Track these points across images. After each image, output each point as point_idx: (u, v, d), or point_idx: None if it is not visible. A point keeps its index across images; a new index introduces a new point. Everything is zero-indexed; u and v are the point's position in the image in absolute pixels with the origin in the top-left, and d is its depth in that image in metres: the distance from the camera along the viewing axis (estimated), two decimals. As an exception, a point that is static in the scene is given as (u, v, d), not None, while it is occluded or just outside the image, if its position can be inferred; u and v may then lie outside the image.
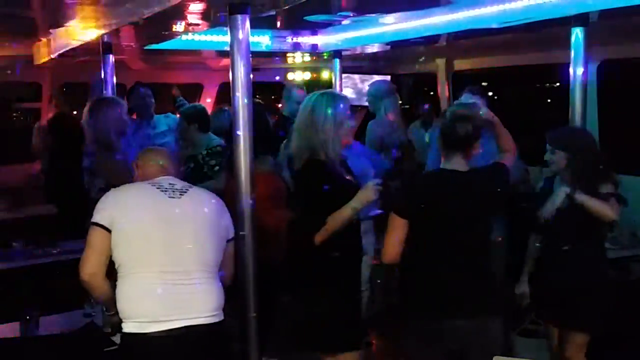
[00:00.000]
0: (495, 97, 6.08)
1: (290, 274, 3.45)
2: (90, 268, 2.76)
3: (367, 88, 6.11)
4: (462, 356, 3.09)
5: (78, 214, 5.59)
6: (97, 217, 2.77)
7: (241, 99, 3.09)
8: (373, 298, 5.20)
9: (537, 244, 3.84)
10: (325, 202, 3.21)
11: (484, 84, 4.96)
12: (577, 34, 3.82)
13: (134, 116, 6.03)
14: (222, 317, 2.82)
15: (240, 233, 3.11)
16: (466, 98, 4.65)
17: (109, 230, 2.74)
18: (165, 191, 2.80)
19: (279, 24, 5.49)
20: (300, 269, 3.37)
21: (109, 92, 5.07)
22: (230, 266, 3.02)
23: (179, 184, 2.91)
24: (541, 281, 3.81)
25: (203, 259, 2.79)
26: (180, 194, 2.82)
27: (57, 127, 6.43)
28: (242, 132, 3.10)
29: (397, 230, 3.10)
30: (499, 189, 3.18)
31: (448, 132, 3.11)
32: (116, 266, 2.77)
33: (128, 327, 2.69)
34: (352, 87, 7.64)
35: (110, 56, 5.00)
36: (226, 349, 2.88)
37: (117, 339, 3.22)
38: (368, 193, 3.23)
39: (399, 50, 6.54)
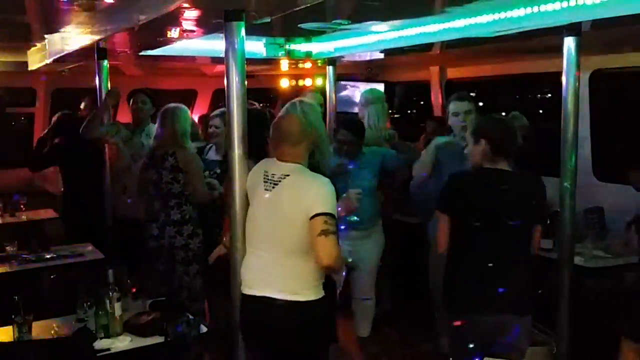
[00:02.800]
0: (483, 105, 6.12)
1: None
2: None
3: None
4: (493, 348, 3.25)
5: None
6: None
7: (236, 105, 3.11)
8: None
9: None
10: None
11: (472, 93, 5.01)
12: (570, 43, 3.84)
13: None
14: (299, 298, 3.03)
15: (234, 242, 3.19)
16: (462, 105, 4.69)
17: None
18: (266, 181, 3.12)
19: (273, 31, 5.52)
20: None
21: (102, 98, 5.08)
22: (317, 247, 2.91)
23: (279, 172, 3.11)
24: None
25: (283, 243, 3.05)
26: (273, 186, 3.09)
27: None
28: (237, 138, 3.12)
29: (443, 224, 3.41)
30: (537, 195, 3.36)
31: (500, 142, 3.33)
32: None
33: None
34: (349, 95, 7.69)
35: (105, 62, 5.01)
36: (301, 326, 3.06)
37: (108, 343, 3.25)
38: (351, 200, 3.40)
39: (393, 58, 6.57)
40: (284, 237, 3.05)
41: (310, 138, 3.15)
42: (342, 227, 3.66)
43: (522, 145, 3.32)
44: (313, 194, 2.99)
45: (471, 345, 3.29)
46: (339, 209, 3.20)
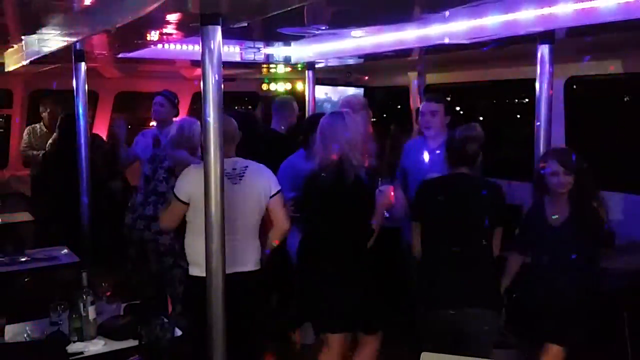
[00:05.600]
0: (461, 111, 6.17)
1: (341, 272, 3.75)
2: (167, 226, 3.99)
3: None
4: (463, 341, 3.55)
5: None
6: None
7: (212, 109, 3.11)
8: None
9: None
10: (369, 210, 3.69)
11: (448, 98, 5.12)
12: (543, 50, 3.90)
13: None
14: (258, 267, 3.77)
15: (210, 244, 3.16)
16: (427, 106, 4.87)
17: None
18: (230, 177, 3.63)
19: (252, 35, 5.53)
20: (352, 269, 3.73)
21: (80, 100, 5.05)
22: (277, 218, 3.78)
23: (238, 167, 3.73)
24: (521, 295, 3.91)
25: (251, 224, 3.75)
26: (240, 178, 3.70)
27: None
28: (213, 142, 3.12)
29: (415, 231, 3.79)
30: (495, 198, 3.65)
31: (458, 151, 3.67)
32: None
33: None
34: (329, 100, 7.72)
35: (82, 64, 4.98)
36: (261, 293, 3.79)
37: (82, 347, 3.23)
38: (389, 197, 3.73)
39: (372, 63, 6.61)
40: (252, 218, 3.75)
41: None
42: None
43: (477, 153, 3.68)
44: (269, 176, 3.81)
45: (443, 337, 3.57)
46: (379, 206, 3.69)
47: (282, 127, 5.49)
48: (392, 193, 3.78)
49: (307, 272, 3.89)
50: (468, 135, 3.68)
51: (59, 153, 6.09)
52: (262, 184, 3.75)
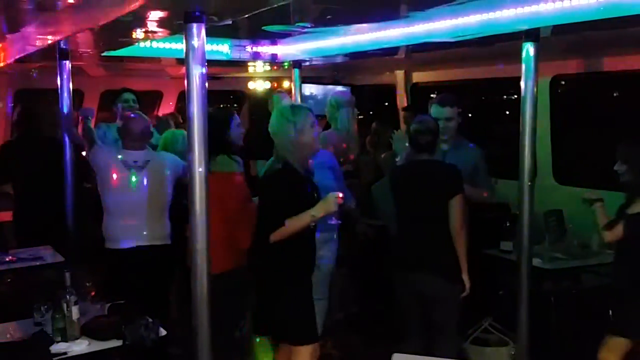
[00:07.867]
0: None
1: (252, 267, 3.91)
2: None
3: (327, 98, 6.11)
4: (424, 300, 4.07)
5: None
6: None
7: (196, 107, 3.09)
8: (330, 307, 5.20)
9: None
10: (288, 208, 3.51)
11: (433, 95, 5.10)
12: (528, 49, 3.89)
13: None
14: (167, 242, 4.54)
15: (195, 244, 3.12)
16: (440, 112, 4.67)
17: None
18: (130, 167, 4.41)
19: (238, 33, 5.51)
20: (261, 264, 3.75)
21: (64, 98, 5.01)
22: None
23: (141, 159, 4.47)
24: None
25: (161, 206, 4.55)
26: (141, 169, 4.44)
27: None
28: (197, 141, 3.10)
29: None
30: (450, 175, 4.07)
31: (414, 142, 4.12)
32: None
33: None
34: (313, 98, 7.70)
35: (67, 62, 4.95)
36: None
37: (65, 347, 3.21)
38: (329, 204, 3.51)
39: (359, 61, 6.60)
40: (158, 201, 4.49)
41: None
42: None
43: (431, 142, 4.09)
44: (170, 164, 4.58)
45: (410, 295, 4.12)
46: (320, 212, 3.49)
47: None
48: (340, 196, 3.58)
49: None
50: (418, 128, 4.09)
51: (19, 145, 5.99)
52: (164, 170, 4.51)
